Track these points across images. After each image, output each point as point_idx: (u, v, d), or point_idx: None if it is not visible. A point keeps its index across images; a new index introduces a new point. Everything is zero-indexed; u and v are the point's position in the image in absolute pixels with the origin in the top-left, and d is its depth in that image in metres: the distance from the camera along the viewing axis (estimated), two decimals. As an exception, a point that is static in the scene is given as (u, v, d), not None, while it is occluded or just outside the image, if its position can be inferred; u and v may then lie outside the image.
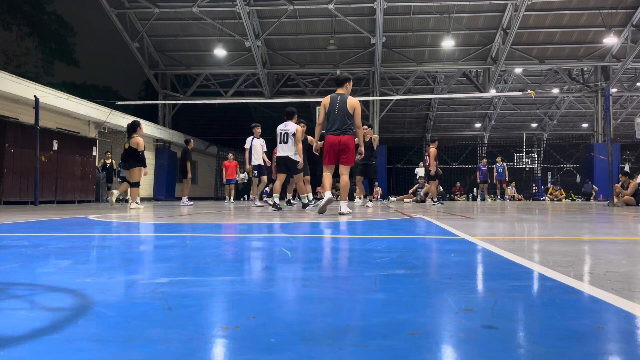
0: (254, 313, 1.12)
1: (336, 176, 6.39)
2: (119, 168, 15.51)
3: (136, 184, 9.15)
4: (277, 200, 7.88)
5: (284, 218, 5.56)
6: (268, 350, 0.86)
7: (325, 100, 6.14)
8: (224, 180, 16.54)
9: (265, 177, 10.61)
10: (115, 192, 9.55)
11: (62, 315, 1.13)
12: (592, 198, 19.79)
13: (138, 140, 9.16)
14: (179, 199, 21.13)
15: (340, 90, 6.17)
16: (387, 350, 0.86)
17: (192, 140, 13.72)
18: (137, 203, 8.99)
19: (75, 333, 0.97)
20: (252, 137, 10.63)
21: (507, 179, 19.35)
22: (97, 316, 1.11)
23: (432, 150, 11.77)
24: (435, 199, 12.25)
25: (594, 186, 20.24)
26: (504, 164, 19.47)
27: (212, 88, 23.35)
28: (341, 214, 5.77)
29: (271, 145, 10.31)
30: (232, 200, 16.12)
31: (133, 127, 9.36)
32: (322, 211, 5.91)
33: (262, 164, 10.54)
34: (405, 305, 1.19)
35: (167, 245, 2.64)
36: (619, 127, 27.87)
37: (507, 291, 1.36)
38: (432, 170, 11.84)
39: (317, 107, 18.71)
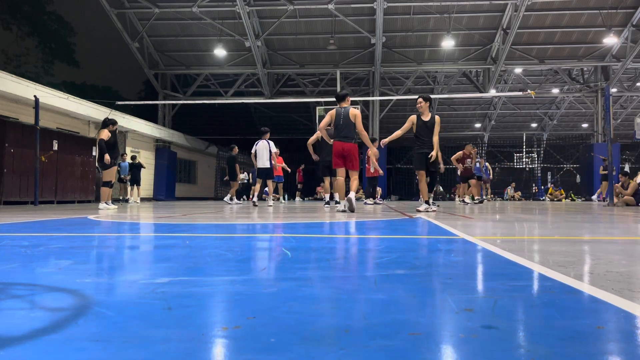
0: (254, 313, 1.12)
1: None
2: (119, 168, 15.54)
3: (107, 184, 8.75)
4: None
5: (287, 218, 5.56)
6: (268, 350, 0.86)
7: (332, 112, 7.20)
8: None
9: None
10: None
11: (62, 315, 1.13)
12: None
13: (103, 134, 8.60)
14: (179, 199, 21.17)
15: (342, 104, 7.16)
16: (387, 350, 0.86)
17: (235, 146, 13.93)
18: (106, 204, 8.59)
19: (75, 333, 0.97)
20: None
21: (491, 178, 19.34)
22: (97, 316, 1.11)
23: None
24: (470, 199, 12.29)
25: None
26: (487, 164, 19.43)
27: (212, 88, 23.35)
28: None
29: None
30: (283, 199, 15.47)
31: (106, 123, 8.77)
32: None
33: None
34: (405, 305, 1.19)
35: (168, 245, 2.64)
36: (619, 127, 27.85)
37: (507, 291, 1.36)
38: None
39: (318, 107, 18.77)
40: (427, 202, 7.25)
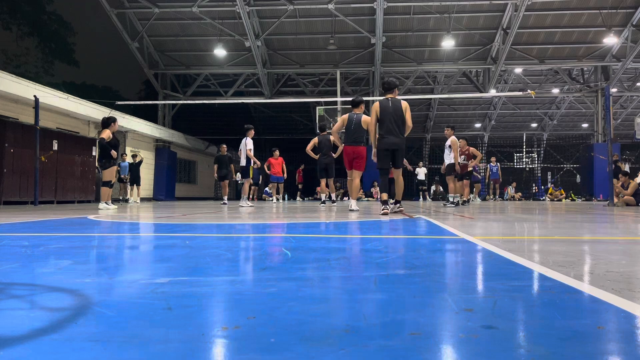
0: (254, 313, 1.12)
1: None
2: (119, 168, 15.54)
3: (106, 184, 8.71)
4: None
5: (287, 218, 5.56)
6: (268, 350, 0.86)
7: (345, 117, 7.57)
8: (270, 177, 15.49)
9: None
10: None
11: (62, 315, 1.12)
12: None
13: (104, 133, 8.57)
14: (179, 199, 21.16)
15: (356, 110, 7.49)
16: (387, 350, 0.86)
17: (223, 145, 13.54)
18: (106, 204, 8.58)
19: (75, 333, 0.97)
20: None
21: (500, 179, 19.29)
22: (97, 316, 1.10)
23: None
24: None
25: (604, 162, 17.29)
26: (498, 164, 19.45)
27: (212, 88, 23.33)
28: (351, 210, 6.81)
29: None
30: (281, 199, 15.45)
31: (107, 122, 8.69)
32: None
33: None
34: (405, 305, 1.19)
35: (167, 245, 2.64)
36: (619, 127, 27.84)
37: (507, 291, 1.36)
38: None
39: (318, 107, 18.78)
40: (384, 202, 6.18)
